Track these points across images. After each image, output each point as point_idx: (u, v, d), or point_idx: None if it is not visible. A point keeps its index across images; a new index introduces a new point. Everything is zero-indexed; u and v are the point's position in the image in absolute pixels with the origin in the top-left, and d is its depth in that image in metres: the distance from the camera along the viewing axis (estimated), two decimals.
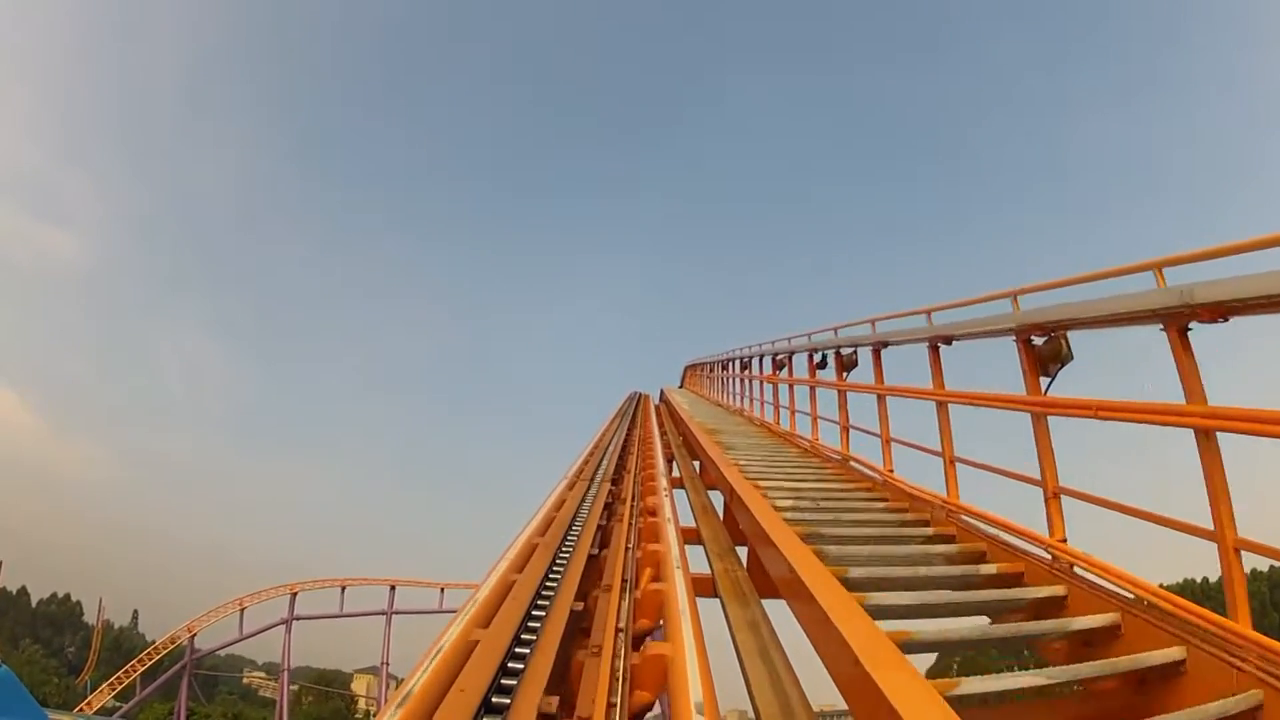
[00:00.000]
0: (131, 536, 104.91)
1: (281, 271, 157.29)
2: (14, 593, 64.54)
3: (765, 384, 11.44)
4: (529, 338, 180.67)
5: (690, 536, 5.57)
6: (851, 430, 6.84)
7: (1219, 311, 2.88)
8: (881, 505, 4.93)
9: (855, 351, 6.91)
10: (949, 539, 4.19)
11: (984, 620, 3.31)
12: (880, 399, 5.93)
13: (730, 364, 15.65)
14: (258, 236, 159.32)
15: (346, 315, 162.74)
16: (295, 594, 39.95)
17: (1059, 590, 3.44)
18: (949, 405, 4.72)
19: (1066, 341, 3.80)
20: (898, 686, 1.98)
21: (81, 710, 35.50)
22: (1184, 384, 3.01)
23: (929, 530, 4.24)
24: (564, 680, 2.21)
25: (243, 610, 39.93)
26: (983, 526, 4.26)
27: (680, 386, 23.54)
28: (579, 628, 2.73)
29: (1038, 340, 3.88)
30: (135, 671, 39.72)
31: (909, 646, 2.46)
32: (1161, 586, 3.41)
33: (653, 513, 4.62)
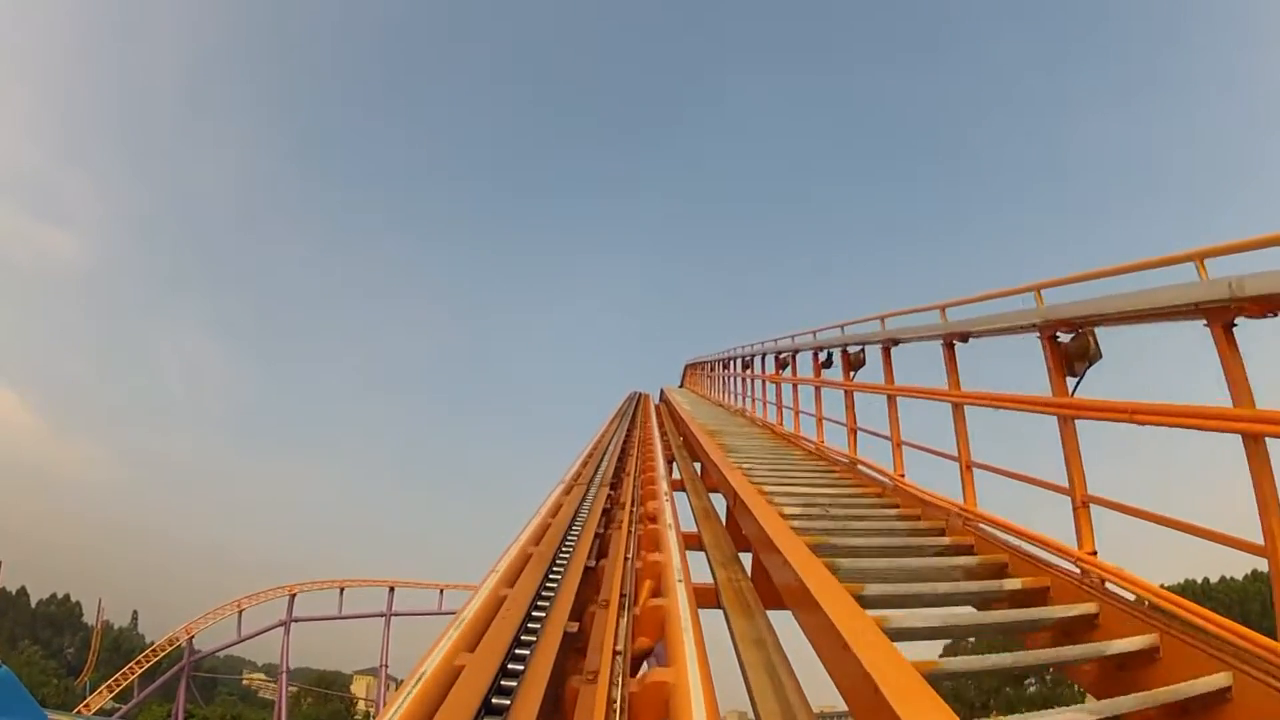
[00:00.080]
0: (131, 536, 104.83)
1: (281, 271, 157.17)
2: (13, 593, 64.40)
3: (768, 384, 11.19)
4: (529, 338, 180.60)
5: (692, 542, 5.35)
6: (859, 432, 6.58)
7: (1269, 305, 2.64)
8: (893, 512, 4.68)
9: (863, 350, 6.65)
10: (967, 549, 3.94)
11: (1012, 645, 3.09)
12: (890, 400, 5.67)
13: (731, 363, 15.41)
14: (258, 236, 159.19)
15: (346, 315, 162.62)
16: (294, 595, 39.78)
17: (1090, 608, 3.19)
18: (965, 407, 4.47)
19: (1095, 338, 3.55)
20: None
21: (80, 711, 35.33)
22: (1230, 385, 2.76)
23: (945, 540, 3.99)
24: (556, 710, 1.98)
25: (241, 612, 39.79)
26: (1002, 536, 4.01)
27: (680, 386, 23.32)
28: (574, 647, 2.51)
29: (1064, 337, 3.63)
30: (134, 673, 39.54)
31: (937, 678, 2.21)
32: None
33: (653, 518, 4.41)
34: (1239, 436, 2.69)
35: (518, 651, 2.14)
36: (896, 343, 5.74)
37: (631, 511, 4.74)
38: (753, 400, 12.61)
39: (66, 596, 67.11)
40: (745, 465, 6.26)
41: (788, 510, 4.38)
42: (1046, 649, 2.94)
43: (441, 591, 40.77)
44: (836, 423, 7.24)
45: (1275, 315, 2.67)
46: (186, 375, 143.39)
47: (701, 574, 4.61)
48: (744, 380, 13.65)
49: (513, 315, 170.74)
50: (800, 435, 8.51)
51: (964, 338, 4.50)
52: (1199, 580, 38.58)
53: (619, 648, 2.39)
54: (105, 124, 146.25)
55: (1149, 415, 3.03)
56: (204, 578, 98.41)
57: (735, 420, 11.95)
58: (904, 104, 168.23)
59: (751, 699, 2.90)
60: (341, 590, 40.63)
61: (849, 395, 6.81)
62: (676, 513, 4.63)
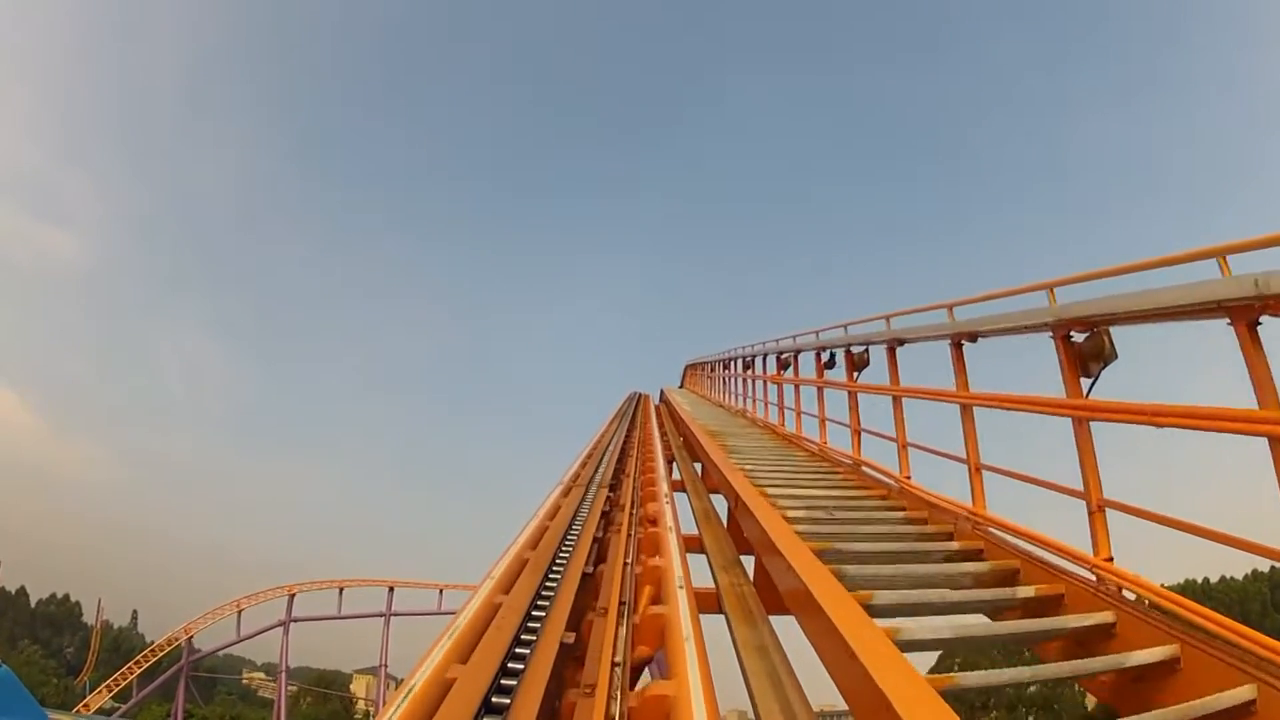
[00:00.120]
0: (131, 536, 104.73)
1: (281, 271, 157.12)
2: (13, 593, 64.35)
3: (769, 384, 11.08)
4: (529, 338, 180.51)
5: (693, 545, 5.26)
6: (863, 434, 6.46)
7: None
8: (899, 515, 4.56)
9: (867, 350, 6.53)
10: (976, 555, 3.83)
11: (1029, 658, 2.97)
12: (896, 401, 5.56)
13: (732, 364, 15.30)
14: (258, 236, 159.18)
15: (346, 315, 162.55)
16: (293, 595, 39.69)
17: (1106, 617, 3.07)
18: (974, 408, 4.35)
19: (1110, 338, 3.43)
20: None
21: (80, 711, 35.26)
22: (1255, 386, 2.65)
23: (954, 545, 3.87)
24: None
25: (240, 612, 39.71)
26: (1012, 540, 3.89)
27: (680, 387, 23.20)
28: (572, 657, 2.40)
29: (1078, 337, 3.52)
30: (132, 673, 39.46)
31: (955, 695, 2.09)
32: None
33: (653, 521, 4.31)
34: (1265, 439, 2.59)
35: (511, 665, 2.04)
36: (902, 343, 5.62)
37: (631, 514, 4.64)
38: (754, 401, 12.50)
39: (66, 596, 67.09)
40: (747, 467, 6.14)
41: (791, 513, 4.26)
42: (1064, 661, 2.83)
43: (441, 591, 40.69)
44: (840, 424, 7.12)
45: None
46: (186, 375, 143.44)
47: (702, 577, 4.52)
48: (745, 381, 13.54)
49: (513, 315, 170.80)
50: (802, 436, 8.40)
51: (973, 337, 4.38)
52: (1199, 580, 38.51)
53: (618, 659, 2.29)
54: (105, 124, 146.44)
55: (1170, 418, 2.92)
56: (204, 578, 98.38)
57: (736, 421, 11.83)
58: (904, 104, 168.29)
59: (755, 710, 2.80)
60: (341, 590, 40.57)
61: (853, 396, 6.69)
62: (677, 515, 4.53)
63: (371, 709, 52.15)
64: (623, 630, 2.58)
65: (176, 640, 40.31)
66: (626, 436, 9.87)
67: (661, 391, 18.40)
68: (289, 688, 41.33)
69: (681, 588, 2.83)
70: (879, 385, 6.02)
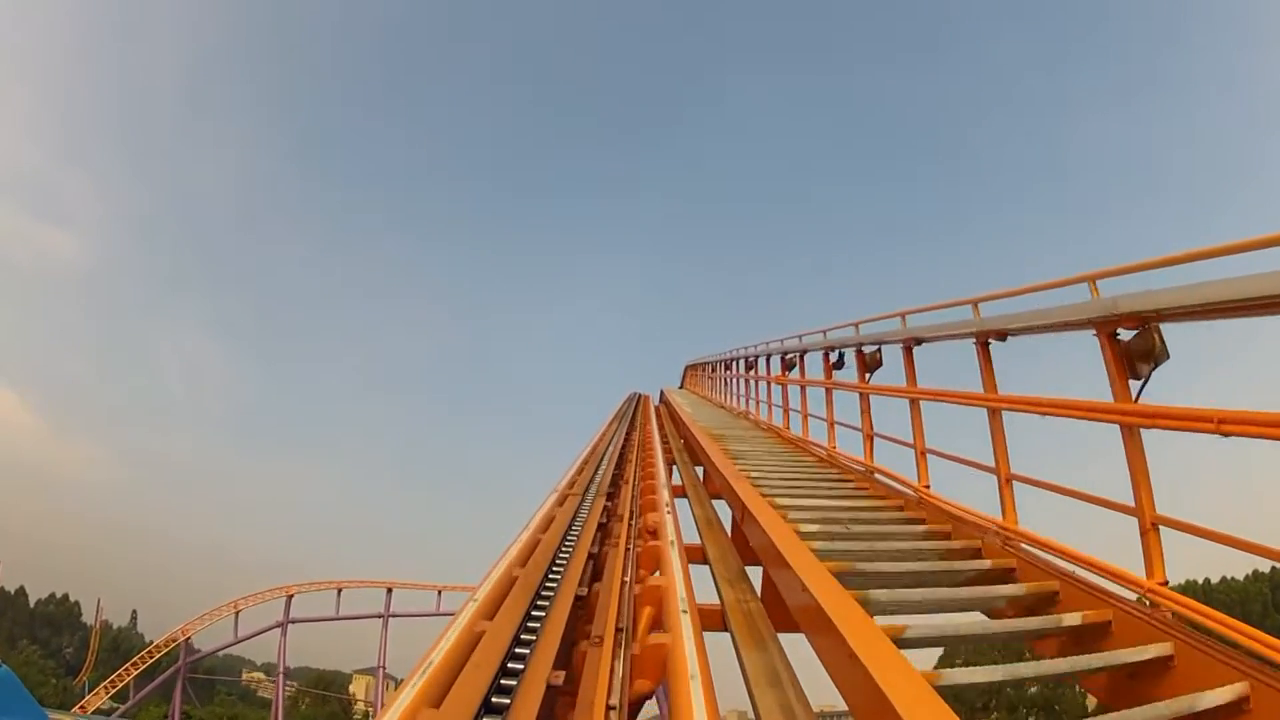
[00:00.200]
0: (131, 536, 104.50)
1: (281, 271, 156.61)
2: (12, 593, 64.25)
3: (774, 385, 10.72)
4: (529, 338, 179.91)
5: (695, 556, 4.93)
6: (876, 438, 6.10)
7: None
8: (921, 529, 4.20)
9: (879, 349, 6.16)
10: (1009, 575, 3.47)
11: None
12: (913, 404, 5.19)
13: (734, 364, 14.95)
14: (258, 236, 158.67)
15: (346, 315, 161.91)
16: (291, 596, 39.41)
17: (1163, 649, 2.72)
18: (1003, 412, 3.99)
19: (1160, 335, 3.08)
20: None
21: (79, 711, 35.08)
22: None
23: (985, 564, 3.51)
24: None
25: (238, 613, 39.44)
26: (1044, 556, 3.54)
27: (680, 387, 22.88)
28: (562, 695, 2.07)
29: (1125, 334, 3.16)
30: (130, 674, 39.25)
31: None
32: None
33: (653, 533, 3.98)
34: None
35: (492, 709, 1.70)
36: (920, 341, 5.24)
37: (630, 525, 4.32)
38: (757, 403, 12.14)
39: (65, 596, 66.90)
40: (753, 473, 5.79)
41: (804, 528, 3.91)
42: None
43: (439, 593, 40.41)
44: (850, 428, 6.77)
45: None
46: (186, 375, 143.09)
47: (706, 590, 4.21)
48: (747, 382, 13.19)
49: (513, 315, 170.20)
50: (810, 440, 8.03)
51: (1001, 336, 4.01)
52: (1200, 581, 38.38)
53: (613, 702, 1.96)
54: (105, 124, 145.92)
55: (1239, 425, 2.56)
56: (203, 578, 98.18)
57: (739, 423, 11.49)
58: (904, 104, 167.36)
59: None
60: (339, 591, 40.31)
61: (864, 399, 6.32)
62: (679, 526, 4.22)
63: (371, 710, 51.94)
64: (619, 665, 2.25)
65: (175, 641, 40.09)
66: (626, 439, 9.55)
67: (661, 392, 18.08)
68: (288, 688, 41.12)
69: (685, 612, 2.50)
70: (894, 387, 5.65)
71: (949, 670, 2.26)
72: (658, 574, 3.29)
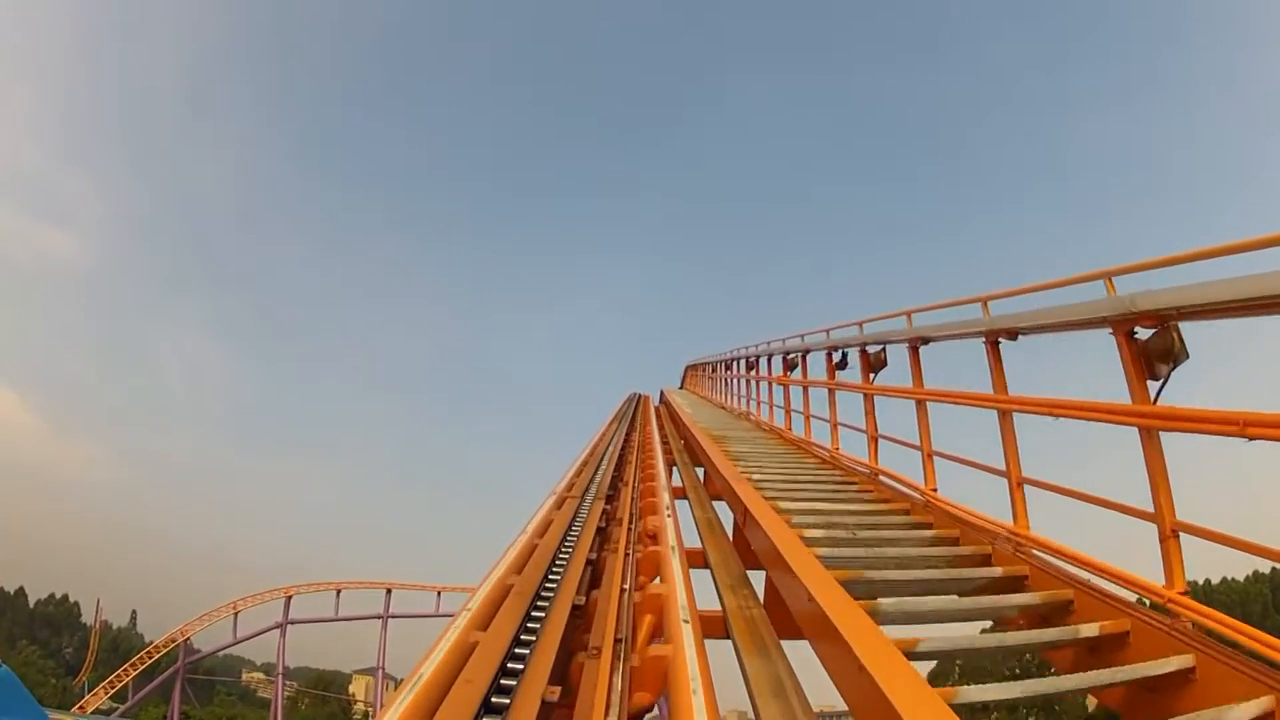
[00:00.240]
0: (131, 536, 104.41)
1: (281, 271, 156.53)
2: (11, 593, 64.18)
3: (775, 386, 10.61)
4: (529, 338, 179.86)
5: (696, 560, 4.82)
6: (880, 440, 5.98)
7: None
8: (928, 534, 4.07)
9: (884, 349, 6.04)
10: (1022, 583, 3.35)
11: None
12: (920, 405, 5.06)
13: (735, 364, 14.83)
14: (258, 236, 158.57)
15: (346, 315, 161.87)
16: (290, 597, 39.29)
17: (1185, 661, 2.61)
18: (1013, 414, 3.87)
19: (1179, 334, 2.96)
20: None
21: (78, 710, 35.01)
22: None
23: (995, 571, 3.39)
24: None
25: (236, 614, 39.32)
26: (1055, 562, 3.42)
27: (680, 387, 22.77)
28: (560, 705, 1.96)
29: (1143, 333, 3.04)
30: (128, 675, 39.16)
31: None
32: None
33: (653, 537, 3.87)
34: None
35: None
36: (926, 341, 5.11)
37: (629, 529, 4.21)
38: (758, 403, 12.03)
39: (65, 596, 66.82)
40: (755, 476, 5.67)
41: (809, 533, 3.79)
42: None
43: (439, 594, 40.29)
44: (853, 429, 6.64)
45: None
46: (186, 375, 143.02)
47: (707, 594, 4.11)
48: (748, 382, 13.07)
49: (513, 315, 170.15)
50: (812, 442, 7.91)
51: (1012, 335, 3.89)
52: (1200, 582, 38.35)
53: (612, 718, 1.85)
54: (105, 124, 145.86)
55: (1266, 429, 2.44)
56: (203, 578, 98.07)
57: (740, 424, 11.37)
58: (904, 104, 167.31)
59: None
60: (338, 592, 40.20)
61: (869, 399, 6.20)
62: (679, 530, 4.11)
63: (370, 710, 51.83)
64: (618, 679, 2.15)
65: (175, 641, 40.01)
66: (625, 439, 9.44)
67: (661, 392, 17.96)
68: (287, 689, 41.00)
69: (686, 621, 2.39)
70: (901, 387, 5.52)
71: (966, 688, 2.14)
72: (658, 580, 3.20)
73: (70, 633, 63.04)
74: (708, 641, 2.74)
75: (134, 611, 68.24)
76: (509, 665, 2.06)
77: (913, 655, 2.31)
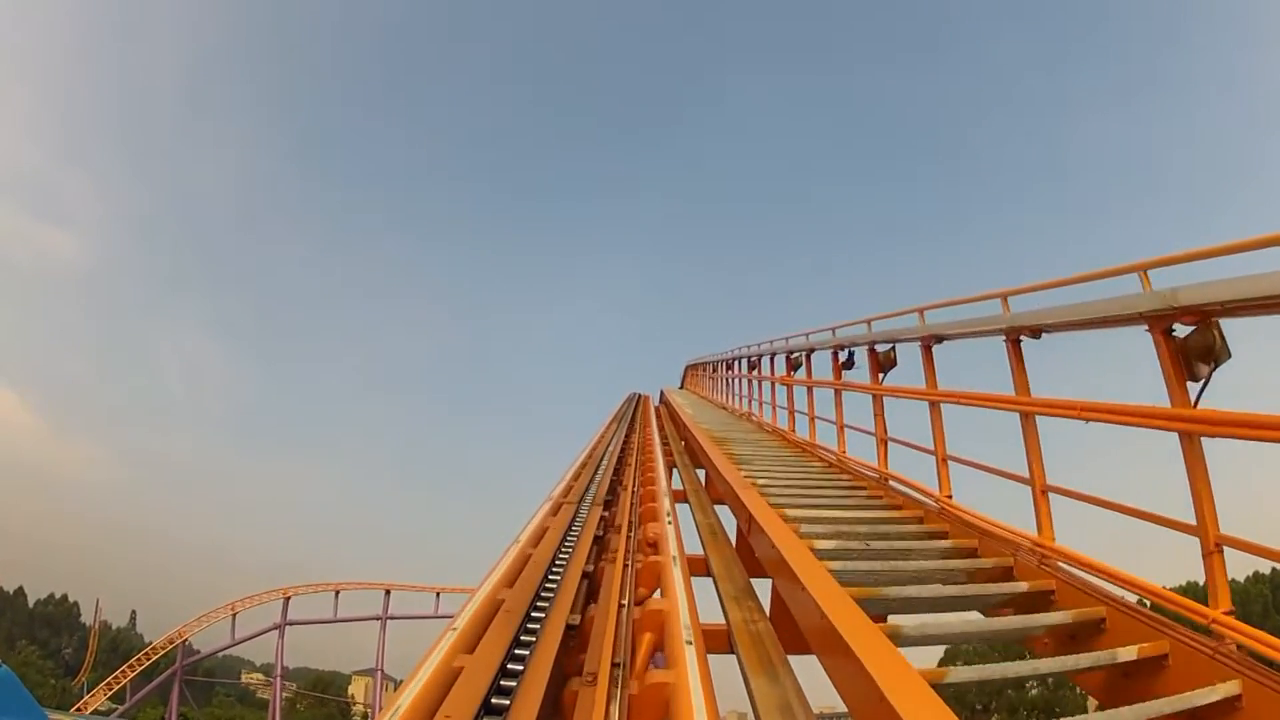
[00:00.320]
0: (131, 536, 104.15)
1: (281, 271, 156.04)
2: (11, 593, 64.12)
3: (778, 386, 10.38)
4: (529, 338, 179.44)
5: (698, 569, 4.62)
6: (890, 443, 5.74)
7: None
8: (945, 545, 3.84)
9: (893, 348, 5.80)
10: (1048, 599, 3.13)
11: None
12: (934, 406, 4.83)
13: (736, 364, 14.61)
14: (258, 236, 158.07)
15: (346, 315, 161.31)
16: (288, 598, 39.12)
17: (1231, 688, 2.39)
18: (1036, 416, 3.64)
19: (1221, 332, 2.74)
20: None
21: (77, 710, 34.91)
22: None
23: (1021, 586, 3.16)
24: None
25: (235, 615, 39.16)
26: (1081, 575, 3.20)
27: (681, 387, 22.57)
28: None
29: (1181, 331, 2.82)
30: (126, 676, 39.03)
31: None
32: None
33: (653, 545, 3.66)
34: None
35: None
36: (941, 339, 4.87)
37: (629, 537, 4.00)
38: (760, 404, 11.80)
39: (64, 597, 66.73)
40: (760, 480, 5.45)
41: (820, 544, 3.57)
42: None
43: (438, 595, 40.11)
44: (861, 431, 6.41)
45: None
46: (186, 375, 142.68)
47: (709, 600, 3.91)
48: (750, 382, 12.85)
49: (513, 315, 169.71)
50: (817, 444, 7.68)
51: (1035, 332, 3.66)
52: (1200, 583, 38.02)
53: None
54: (105, 124, 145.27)
55: None
56: (203, 578, 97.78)
57: (741, 425, 11.15)
58: (904, 104, 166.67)
59: None
60: (337, 593, 40.03)
61: (878, 400, 5.96)
62: (681, 539, 3.91)
63: (369, 711, 51.71)
64: (615, 710, 1.93)
65: (174, 642, 39.89)
66: (625, 441, 9.23)
67: (661, 392, 17.77)
68: (286, 690, 40.85)
69: (690, 643, 2.18)
70: (913, 388, 5.28)
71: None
72: (658, 593, 3.00)
73: (69, 633, 62.90)
74: (711, 657, 2.54)
75: (133, 611, 68.17)
76: (493, 700, 1.85)
77: (939, 687, 2.09)
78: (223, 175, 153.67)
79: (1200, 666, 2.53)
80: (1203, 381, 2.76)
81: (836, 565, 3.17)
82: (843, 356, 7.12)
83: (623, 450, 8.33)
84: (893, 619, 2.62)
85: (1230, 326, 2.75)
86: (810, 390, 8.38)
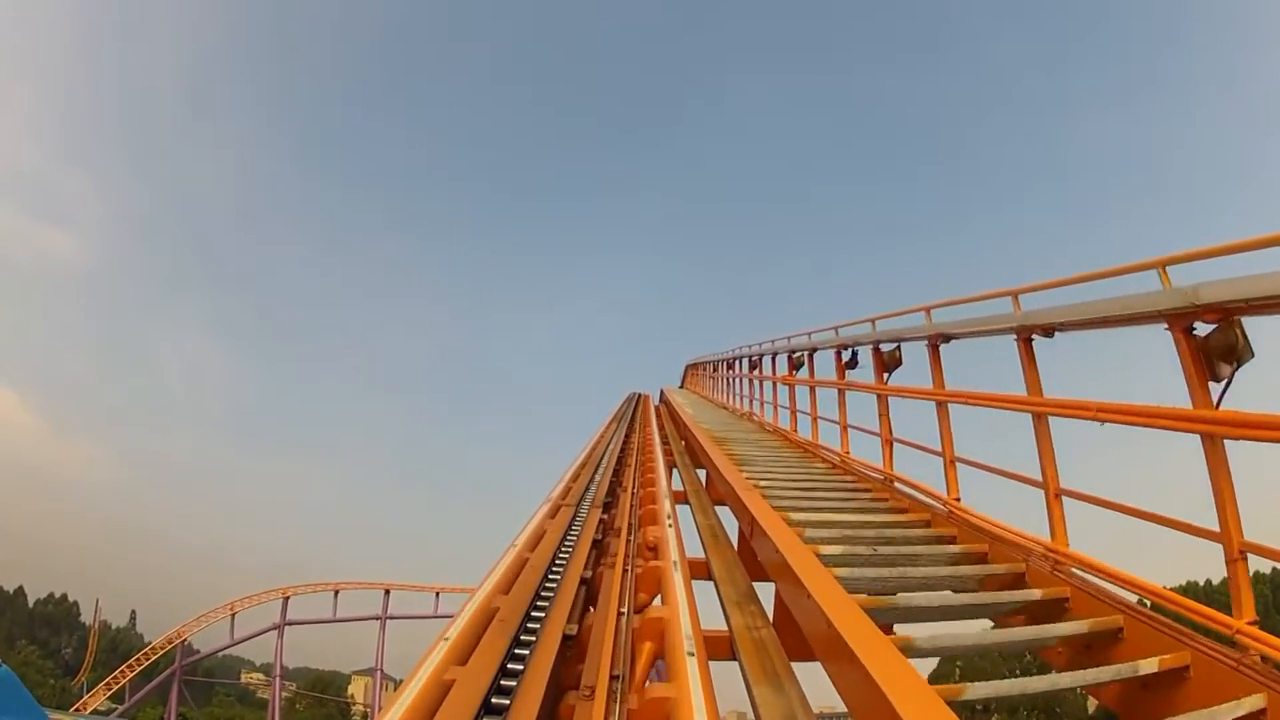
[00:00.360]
0: (131, 536, 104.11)
1: (281, 271, 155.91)
2: (10, 593, 64.09)
3: (779, 386, 10.27)
4: (529, 338, 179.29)
5: (699, 572, 4.52)
6: (895, 444, 5.63)
7: None
8: (954, 550, 3.73)
9: (899, 347, 5.69)
10: (1063, 607, 3.02)
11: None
12: (941, 407, 4.72)
13: (737, 363, 14.51)
14: (258, 236, 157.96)
15: (346, 315, 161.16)
16: (287, 598, 39.03)
17: (1257, 702, 2.28)
18: (1049, 418, 3.53)
19: (1243, 331, 2.63)
20: None
21: (77, 710, 34.87)
22: None
23: (1034, 594, 3.05)
24: None
25: (233, 615, 39.09)
26: (1095, 582, 3.10)
27: (681, 387, 22.49)
28: None
29: (1203, 329, 2.71)
30: (125, 676, 38.97)
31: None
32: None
33: (653, 549, 3.57)
34: None
35: None
36: (948, 338, 4.76)
37: (628, 541, 3.90)
38: (761, 404, 11.70)
39: (64, 596, 66.66)
40: (762, 482, 5.34)
41: (825, 550, 3.46)
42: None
43: (437, 595, 40.03)
44: (865, 431, 6.30)
45: None
46: (186, 375, 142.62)
47: (709, 604, 3.83)
48: (751, 382, 12.75)
49: (513, 315, 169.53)
50: (819, 445, 7.57)
51: (1048, 331, 3.55)
52: (1201, 583, 38.13)
53: None
54: (105, 124, 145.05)
55: None
56: (203, 578, 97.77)
57: (742, 425, 11.05)
58: (904, 104, 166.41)
59: None
60: (336, 593, 39.95)
61: (883, 401, 5.85)
62: (682, 541, 3.81)
63: (369, 711, 51.66)
64: None
65: (173, 642, 39.84)
66: (625, 442, 9.13)
67: (661, 392, 17.68)
68: (286, 690, 40.80)
69: (692, 654, 2.08)
70: (920, 388, 5.17)
71: None
72: (659, 599, 2.90)
73: (69, 632, 62.85)
74: (712, 663, 2.45)
75: (133, 611, 68.11)
76: (485, 717, 1.75)
77: (957, 705, 1.98)
78: (223, 175, 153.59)
79: (1224, 679, 2.43)
80: (1225, 382, 2.65)
81: (843, 572, 3.07)
82: (846, 356, 7.02)
83: (622, 450, 8.23)
84: (902, 629, 2.52)
85: (1254, 325, 2.66)
86: (812, 390, 8.27)
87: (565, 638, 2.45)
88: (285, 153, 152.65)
